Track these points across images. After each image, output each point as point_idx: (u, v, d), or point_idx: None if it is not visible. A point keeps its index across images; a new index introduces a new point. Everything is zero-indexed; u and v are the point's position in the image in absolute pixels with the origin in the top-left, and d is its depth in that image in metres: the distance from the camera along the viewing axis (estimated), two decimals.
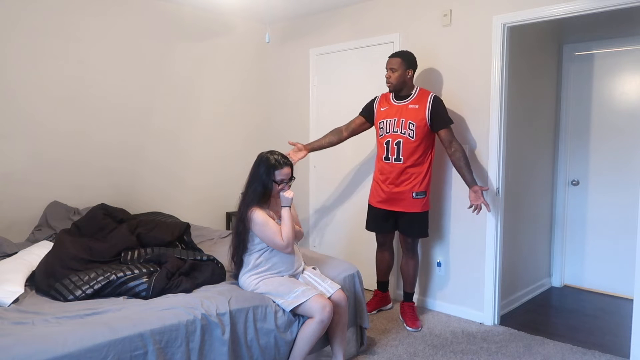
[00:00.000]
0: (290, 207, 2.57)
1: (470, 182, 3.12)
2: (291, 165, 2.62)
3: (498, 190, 3.34)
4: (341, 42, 4.18)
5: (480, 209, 3.10)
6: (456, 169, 3.22)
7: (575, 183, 4.22)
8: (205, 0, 4.00)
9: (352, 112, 3.84)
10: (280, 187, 2.57)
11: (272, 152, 2.60)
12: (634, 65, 3.90)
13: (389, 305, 3.68)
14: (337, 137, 3.52)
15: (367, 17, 3.98)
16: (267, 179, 2.53)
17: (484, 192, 3.13)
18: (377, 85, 3.72)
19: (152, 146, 4.04)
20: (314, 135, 4.44)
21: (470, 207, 3.12)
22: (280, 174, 2.55)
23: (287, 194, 2.55)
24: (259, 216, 2.49)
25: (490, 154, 3.33)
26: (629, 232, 3.53)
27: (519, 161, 3.73)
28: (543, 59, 4.04)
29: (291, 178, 2.61)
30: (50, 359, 1.74)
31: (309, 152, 3.47)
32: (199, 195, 4.38)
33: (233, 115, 4.61)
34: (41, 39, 3.38)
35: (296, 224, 2.66)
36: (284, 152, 2.74)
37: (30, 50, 3.34)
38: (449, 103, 3.51)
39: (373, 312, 3.55)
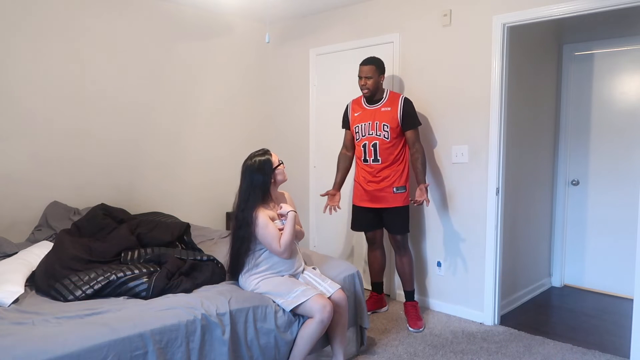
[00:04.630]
0: (295, 211, 2.59)
1: (420, 181, 3.28)
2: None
3: (498, 190, 3.34)
4: (341, 42, 4.18)
5: (422, 203, 3.25)
6: (412, 168, 3.36)
7: (575, 183, 4.22)
8: (205, 0, 4.00)
9: None
10: (280, 167, 2.62)
11: (250, 158, 2.61)
12: (634, 65, 3.90)
13: (385, 308, 3.67)
14: (348, 161, 3.61)
15: (367, 17, 3.98)
16: (265, 178, 2.55)
17: (427, 188, 3.29)
18: None
19: (152, 146, 4.04)
20: (314, 135, 4.44)
21: (414, 202, 3.24)
22: (274, 160, 2.60)
23: (284, 210, 2.58)
24: (261, 217, 2.50)
25: (490, 153, 3.33)
26: (628, 232, 3.53)
27: (519, 161, 3.73)
28: (543, 59, 4.04)
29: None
30: (50, 359, 1.74)
31: (339, 190, 3.57)
32: (199, 195, 4.38)
33: (233, 116, 4.61)
34: (41, 39, 3.38)
35: (297, 223, 2.66)
36: (282, 154, 2.74)
37: (31, 50, 3.34)
38: (448, 103, 3.51)
39: (368, 313, 3.55)
